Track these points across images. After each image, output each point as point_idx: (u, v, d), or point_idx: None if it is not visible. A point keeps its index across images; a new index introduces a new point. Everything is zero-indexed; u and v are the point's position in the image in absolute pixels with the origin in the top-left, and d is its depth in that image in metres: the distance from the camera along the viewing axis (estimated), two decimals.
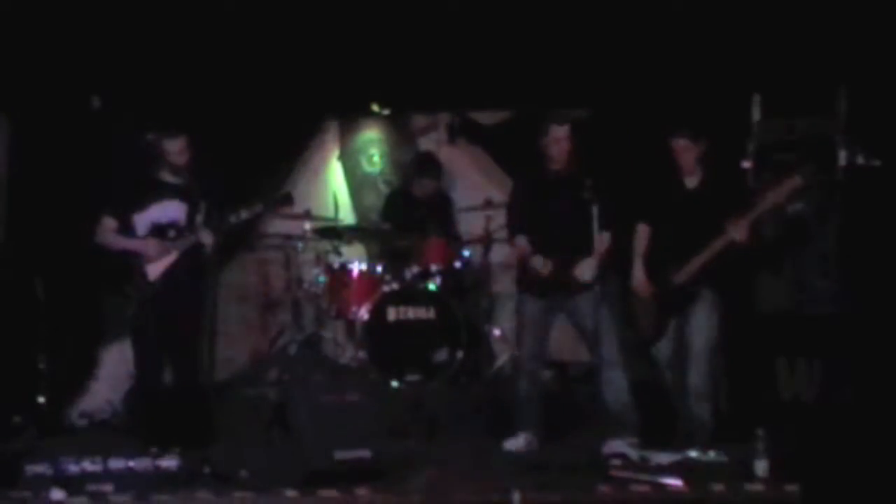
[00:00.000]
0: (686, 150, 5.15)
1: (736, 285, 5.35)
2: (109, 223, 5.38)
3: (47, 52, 6.13)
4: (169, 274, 5.34)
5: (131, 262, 5.32)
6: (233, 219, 5.35)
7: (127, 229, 5.37)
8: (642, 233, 5.30)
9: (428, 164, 6.94)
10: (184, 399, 5.29)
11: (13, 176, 6.38)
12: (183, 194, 5.40)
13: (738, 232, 4.95)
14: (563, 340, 5.77)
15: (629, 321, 5.27)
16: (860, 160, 5.75)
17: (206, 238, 5.31)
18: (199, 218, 5.39)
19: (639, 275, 5.25)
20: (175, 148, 5.35)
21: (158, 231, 5.36)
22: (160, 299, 5.31)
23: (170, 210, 5.38)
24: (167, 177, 5.41)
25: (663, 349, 5.26)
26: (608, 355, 5.08)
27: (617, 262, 5.24)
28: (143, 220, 5.37)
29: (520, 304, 5.41)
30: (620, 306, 5.25)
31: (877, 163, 5.71)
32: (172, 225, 5.37)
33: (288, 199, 5.63)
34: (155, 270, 5.33)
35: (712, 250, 5.02)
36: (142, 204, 5.37)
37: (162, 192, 5.40)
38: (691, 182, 5.21)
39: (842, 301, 5.70)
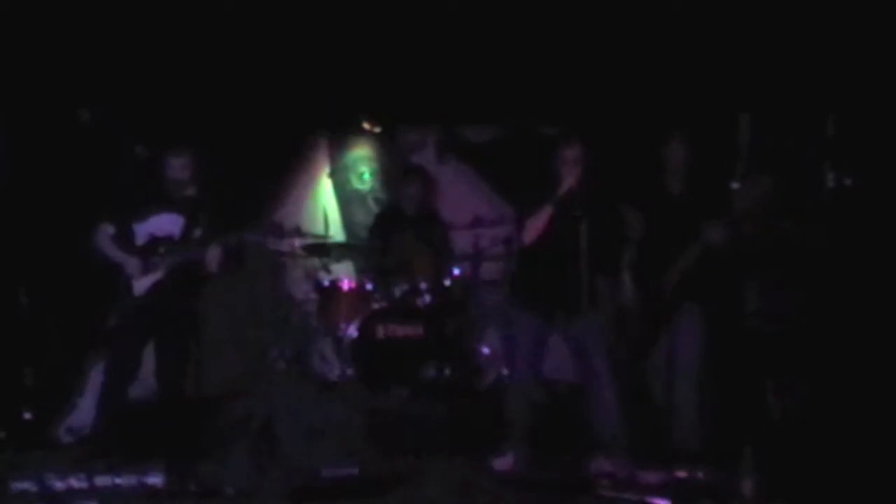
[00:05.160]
0: (677, 157, 5.18)
1: (720, 298, 5.36)
2: (107, 229, 5.42)
3: (44, 63, 6.12)
4: (155, 290, 5.34)
5: (116, 276, 5.34)
6: (214, 249, 5.35)
7: (125, 237, 5.40)
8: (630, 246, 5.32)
9: (413, 173, 6.96)
10: (166, 414, 5.29)
11: (1, 184, 6.35)
12: (182, 208, 5.43)
13: (713, 233, 4.98)
14: (551, 358, 5.76)
15: (619, 335, 5.28)
16: (846, 181, 5.78)
17: (213, 255, 5.32)
18: (198, 232, 5.40)
19: (626, 286, 5.26)
20: (178, 163, 5.40)
21: (153, 243, 5.39)
22: (143, 314, 5.32)
23: (167, 223, 5.41)
24: (169, 190, 5.44)
25: (651, 363, 5.27)
26: (602, 375, 5.08)
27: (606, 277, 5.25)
28: (142, 230, 5.40)
29: (513, 322, 5.38)
30: (612, 323, 5.26)
31: (864, 183, 5.74)
32: (167, 238, 5.39)
33: (278, 229, 5.74)
34: (141, 286, 5.35)
35: (691, 254, 5.04)
36: (142, 214, 5.41)
37: (162, 204, 5.43)
38: (677, 192, 5.23)
39: (827, 320, 5.72)
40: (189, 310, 5.45)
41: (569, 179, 5.02)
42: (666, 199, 5.21)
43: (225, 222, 5.41)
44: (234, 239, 5.39)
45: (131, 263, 5.35)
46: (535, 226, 5.08)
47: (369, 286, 6.58)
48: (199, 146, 5.62)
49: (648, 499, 4.47)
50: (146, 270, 5.34)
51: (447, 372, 6.25)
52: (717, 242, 4.99)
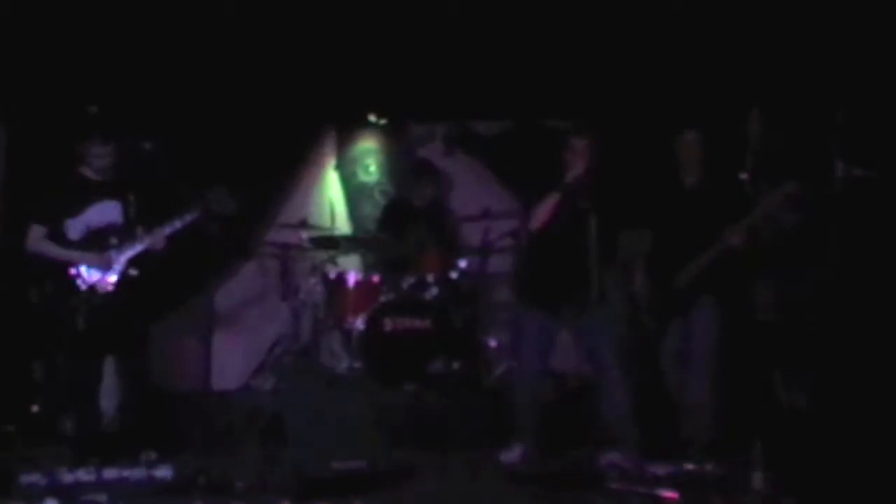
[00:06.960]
0: (691, 148, 5.18)
1: (735, 292, 5.36)
2: (38, 231, 5.15)
3: (44, 60, 6.11)
4: (118, 285, 5.16)
5: (74, 275, 5.13)
6: (168, 228, 5.17)
7: (59, 236, 5.14)
8: (644, 238, 5.31)
9: (426, 171, 6.97)
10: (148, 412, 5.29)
11: (9, 181, 6.34)
12: (114, 193, 5.20)
13: (735, 237, 4.99)
14: (561, 351, 5.75)
15: (630, 326, 5.27)
16: (857, 172, 5.76)
17: (156, 244, 5.16)
18: (132, 212, 5.20)
19: (640, 278, 5.26)
20: (103, 152, 5.16)
21: (97, 237, 5.17)
22: (108, 314, 5.14)
23: (105, 212, 5.19)
24: (92, 175, 5.21)
25: (664, 355, 5.26)
26: (611, 369, 5.07)
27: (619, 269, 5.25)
28: (77, 225, 5.16)
29: (519, 319, 5.36)
30: (622, 316, 5.25)
31: (873, 175, 5.72)
32: (111, 228, 5.19)
33: (222, 200, 5.22)
34: (104, 283, 5.14)
35: (710, 255, 5.06)
36: (75, 209, 5.16)
37: (93, 194, 5.19)
38: (691, 184, 5.23)
39: (839, 312, 5.70)
40: (154, 302, 5.34)
41: (576, 167, 5.02)
42: (681, 193, 5.21)
43: (158, 204, 5.22)
44: (177, 221, 5.16)
45: (93, 259, 5.12)
46: (543, 212, 5.07)
47: (376, 279, 6.57)
48: (193, 136, 5.41)
49: (657, 492, 4.46)
50: (105, 262, 5.12)
51: (455, 365, 6.24)
52: (738, 246, 5.01)
